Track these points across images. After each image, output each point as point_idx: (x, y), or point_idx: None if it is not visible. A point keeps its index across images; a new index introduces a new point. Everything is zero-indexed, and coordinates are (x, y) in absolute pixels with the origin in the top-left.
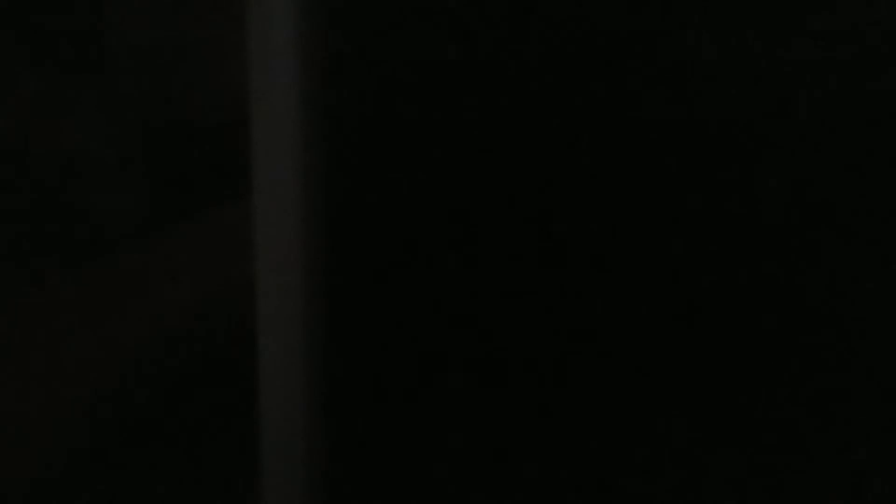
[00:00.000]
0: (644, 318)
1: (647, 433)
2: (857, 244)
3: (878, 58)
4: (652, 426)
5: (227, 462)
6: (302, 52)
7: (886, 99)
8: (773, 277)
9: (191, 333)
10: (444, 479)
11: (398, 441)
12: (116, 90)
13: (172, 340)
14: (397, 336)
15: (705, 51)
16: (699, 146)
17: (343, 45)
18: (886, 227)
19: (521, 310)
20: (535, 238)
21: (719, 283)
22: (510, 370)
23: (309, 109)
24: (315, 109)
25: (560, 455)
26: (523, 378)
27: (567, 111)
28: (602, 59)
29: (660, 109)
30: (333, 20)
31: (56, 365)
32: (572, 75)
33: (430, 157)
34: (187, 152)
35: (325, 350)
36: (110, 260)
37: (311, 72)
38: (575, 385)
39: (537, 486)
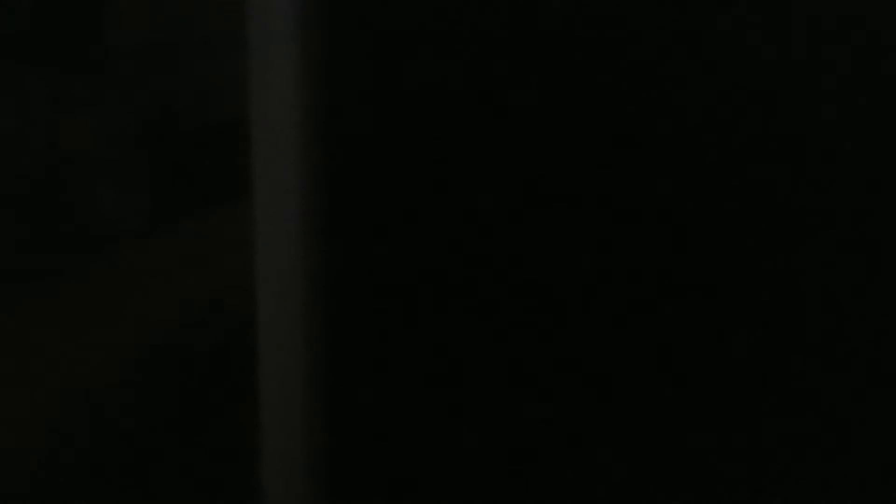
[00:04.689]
0: (645, 317)
1: (645, 433)
2: (859, 245)
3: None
4: (650, 426)
5: (227, 460)
6: (302, 51)
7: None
8: (782, 281)
9: (191, 333)
10: (443, 479)
11: (398, 441)
12: (116, 90)
13: (173, 340)
14: (397, 336)
15: (706, 53)
16: (703, 150)
17: (343, 44)
18: (887, 228)
19: (521, 310)
20: (534, 238)
21: (722, 284)
22: (510, 370)
23: (309, 109)
24: (315, 109)
25: (559, 455)
26: (523, 378)
27: (568, 113)
28: (602, 59)
29: (658, 111)
30: (333, 20)
31: (56, 364)
32: (572, 78)
33: (430, 157)
34: (188, 152)
35: (325, 350)
36: (110, 259)
37: (311, 71)
38: (574, 385)
39: (537, 485)
